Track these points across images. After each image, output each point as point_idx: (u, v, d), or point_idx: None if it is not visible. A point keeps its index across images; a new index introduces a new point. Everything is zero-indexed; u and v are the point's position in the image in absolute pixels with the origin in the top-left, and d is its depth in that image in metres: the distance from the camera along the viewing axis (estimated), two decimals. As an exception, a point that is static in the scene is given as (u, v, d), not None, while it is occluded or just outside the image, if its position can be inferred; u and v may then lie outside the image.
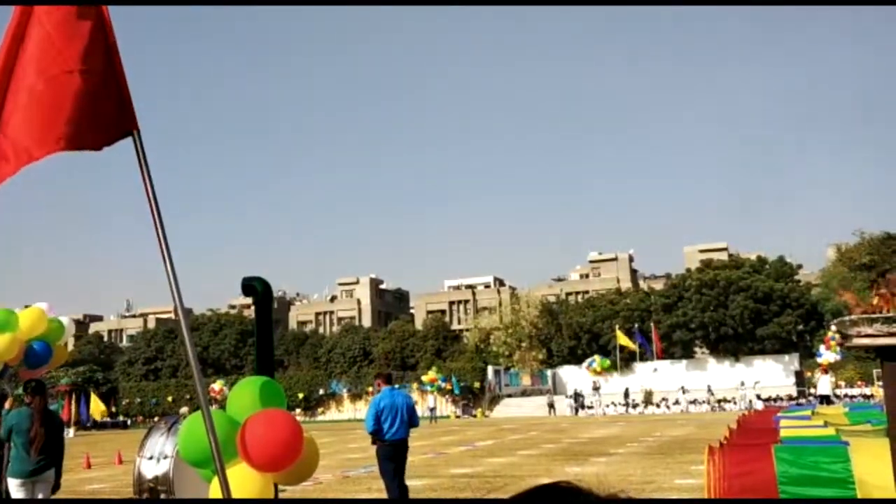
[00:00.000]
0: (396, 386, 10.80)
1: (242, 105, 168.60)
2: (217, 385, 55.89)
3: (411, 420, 10.41)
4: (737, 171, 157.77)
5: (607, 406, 53.60)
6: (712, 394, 52.18)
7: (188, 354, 3.91)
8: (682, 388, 53.75)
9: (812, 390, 45.40)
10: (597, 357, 56.96)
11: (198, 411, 4.38)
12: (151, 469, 9.56)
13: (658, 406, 53.55)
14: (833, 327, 44.96)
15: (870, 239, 61.56)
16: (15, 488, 8.45)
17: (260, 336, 5.86)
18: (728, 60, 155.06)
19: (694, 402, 52.53)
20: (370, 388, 64.31)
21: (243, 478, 4.44)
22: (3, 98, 3.54)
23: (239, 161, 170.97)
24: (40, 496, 8.52)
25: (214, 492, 4.27)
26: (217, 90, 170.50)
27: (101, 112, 3.63)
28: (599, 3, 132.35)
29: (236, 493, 3.97)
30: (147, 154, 3.81)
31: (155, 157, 3.74)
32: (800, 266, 65.27)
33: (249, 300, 6.71)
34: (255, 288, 5.70)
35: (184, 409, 37.42)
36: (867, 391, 48.73)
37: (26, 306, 10.99)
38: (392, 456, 10.18)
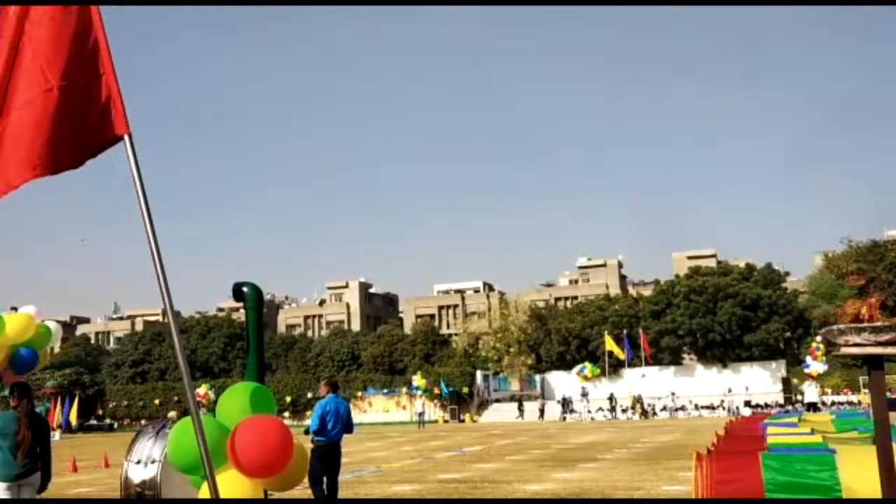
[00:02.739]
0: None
1: (233, 107, 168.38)
2: (202, 389, 55.55)
3: (348, 426, 11.07)
4: (725, 179, 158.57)
5: (596, 411, 53.65)
6: (640, 401, 52.80)
7: (178, 358, 3.89)
8: (672, 393, 54.03)
9: (799, 397, 45.60)
10: (587, 364, 57.03)
11: (187, 416, 4.37)
12: (139, 473, 9.51)
13: (646, 412, 53.66)
14: (818, 338, 45.27)
15: (857, 247, 61.88)
16: (0, 492, 8.40)
17: (251, 341, 5.84)
18: (722, 68, 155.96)
19: (681, 408, 52.76)
20: (359, 393, 64.27)
21: (233, 484, 4.43)
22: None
23: (229, 163, 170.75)
24: (26, 498, 8.47)
25: (204, 498, 4.25)
26: (207, 92, 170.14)
27: (82, 127, 3.59)
28: (598, 3, 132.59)
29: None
30: (138, 157, 3.79)
31: (143, 157, 3.74)
32: (787, 273, 65.70)
33: (238, 303, 6.70)
34: (246, 293, 5.69)
35: (172, 414, 37.22)
36: (853, 399, 48.95)
37: (13, 308, 10.92)
38: (325, 456, 10.71)
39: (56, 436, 50.85)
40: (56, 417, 55.28)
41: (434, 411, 59.94)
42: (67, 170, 3.65)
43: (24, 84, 3.52)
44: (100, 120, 3.66)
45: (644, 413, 52.16)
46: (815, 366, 41.41)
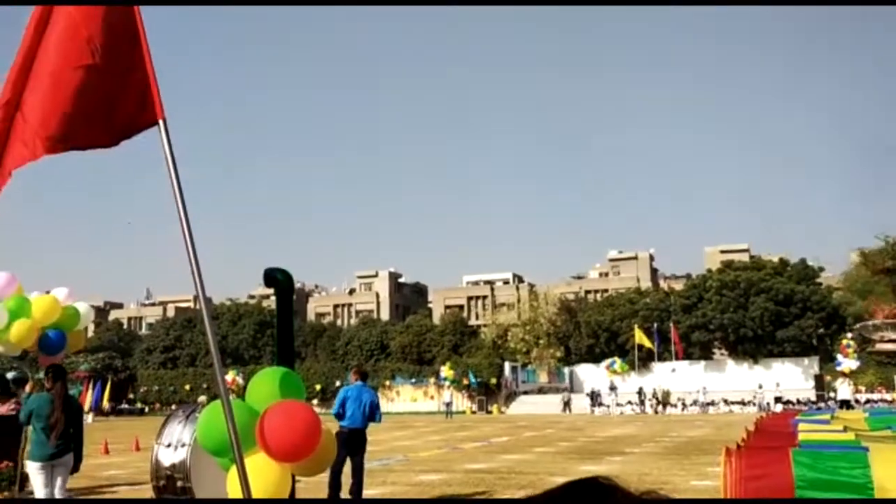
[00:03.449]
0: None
1: (264, 96, 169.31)
2: (230, 375, 55.85)
3: (372, 415, 11.25)
4: (760, 172, 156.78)
5: (624, 405, 53.40)
6: (656, 394, 52.74)
7: (210, 344, 3.93)
8: (703, 388, 53.83)
9: (832, 394, 45.07)
10: (617, 359, 56.59)
11: (217, 400, 4.41)
12: (169, 457, 9.63)
13: (675, 406, 53.35)
14: (849, 335, 44.70)
15: (894, 243, 60.81)
16: (35, 471, 8.57)
17: (280, 327, 5.88)
18: (754, 58, 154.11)
19: (711, 403, 52.45)
20: (387, 382, 64.51)
21: (261, 467, 4.46)
22: (24, 84, 3.57)
23: (260, 152, 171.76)
24: (59, 479, 8.62)
25: (232, 481, 4.29)
26: (237, 77, 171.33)
27: (119, 109, 3.65)
28: (609, 3, 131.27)
29: (254, 483, 3.99)
30: (172, 143, 3.85)
31: (175, 145, 3.79)
32: (822, 269, 64.66)
33: (269, 290, 6.75)
34: (278, 279, 5.73)
35: (202, 398, 37.60)
36: (888, 397, 48.30)
37: (47, 292, 11.07)
38: (347, 441, 10.93)
39: (89, 419, 51.62)
40: (87, 401, 56.10)
41: (462, 402, 60.02)
42: (101, 147, 3.71)
43: (69, 52, 3.58)
44: (136, 103, 3.74)
45: (659, 404, 51.96)
46: (847, 363, 40.86)
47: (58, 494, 8.63)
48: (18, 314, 10.03)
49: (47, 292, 10.97)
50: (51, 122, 3.53)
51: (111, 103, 3.64)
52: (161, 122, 3.80)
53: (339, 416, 11.07)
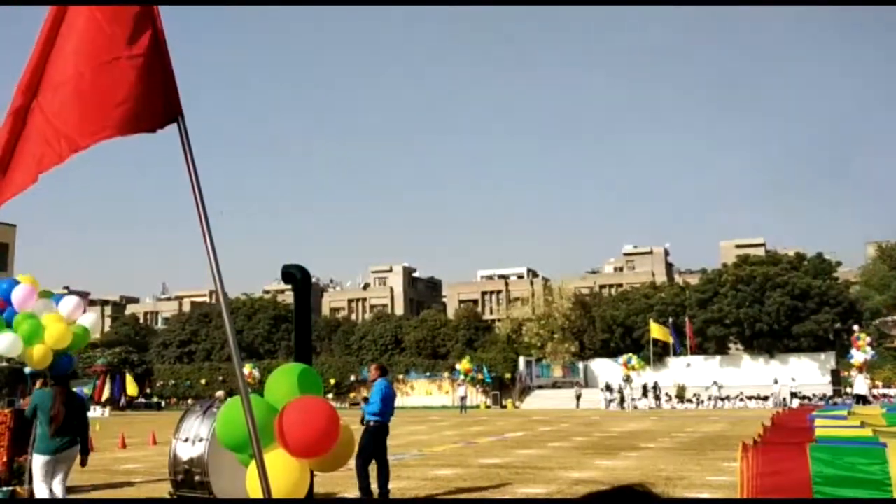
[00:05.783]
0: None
1: (279, 90, 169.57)
2: (247, 369, 56.10)
3: (393, 409, 11.78)
4: (776, 166, 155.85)
5: (639, 399, 53.31)
6: (656, 391, 52.65)
7: (229, 340, 3.95)
8: (715, 382, 53.63)
9: (848, 390, 44.78)
10: (633, 356, 56.39)
11: (236, 397, 4.43)
12: (187, 451, 9.71)
13: (691, 402, 53.21)
14: (856, 327, 44.37)
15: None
16: (39, 465, 8.73)
17: (298, 323, 5.91)
18: (772, 51, 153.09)
19: (726, 398, 52.28)
20: (401, 376, 64.61)
21: (280, 463, 4.48)
22: (38, 89, 3.60)
23: (276, 147, 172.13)
24: (60, 474, 8.80)
25: (251, 476, 4.32)
26: (255, 74, 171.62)
27: (148, 98, 3.69)
28: (622, 3, 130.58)
29: (273, 479, 4.01)
30: (189, 138, 3.87)
31: (192, 139, 3.83)
32: (839, 263, 64.24)
33: (284, 286, 6.80)
34: (295, 275, 5.77)
35: (219, 393, 37.77)
36: (905, 392, 47.95)
37: (66, 287, 11.26)
38: (378, 434, 11.27)
39: (106, 413, 52.05)
40: (106, 395, 56.54)
41: (476, 397, 60.02)
42: (134, 133, 3.72)
43: (92, 50, 3.61)
44: (160, 96, 3.77)
45: (623, 400, 52.19)
46: (858, 355, 40.54)
47: (57, 488, 8.77)
48: (32, 340, 10.44)
49: (65, 288, 11.15)
50: (76, 120, 3.56)
51: (134, 99, 3.67)
52: (180, 117, 3.84)
53: (379, 412, 11.25)
